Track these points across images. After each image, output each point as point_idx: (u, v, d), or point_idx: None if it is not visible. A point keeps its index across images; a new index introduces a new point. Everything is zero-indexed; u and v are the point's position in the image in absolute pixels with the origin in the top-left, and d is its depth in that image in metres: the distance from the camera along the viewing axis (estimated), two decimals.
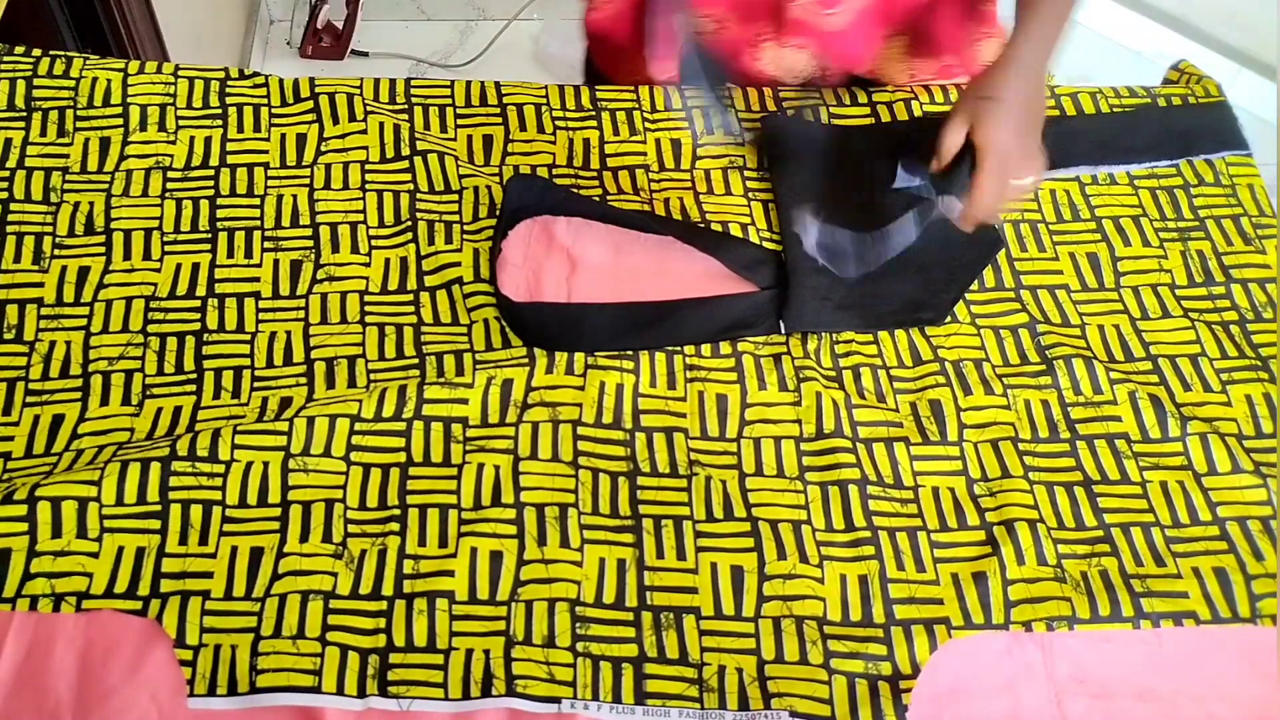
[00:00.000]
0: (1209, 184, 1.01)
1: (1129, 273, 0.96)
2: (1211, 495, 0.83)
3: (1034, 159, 0.85)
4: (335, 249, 0.94)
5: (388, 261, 0.93)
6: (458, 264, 0.93)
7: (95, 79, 1.02)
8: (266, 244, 0.94)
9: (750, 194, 0.99)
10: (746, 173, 1.00)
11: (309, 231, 0.95)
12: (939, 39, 1.03)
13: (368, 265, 0.93)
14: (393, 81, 1.04)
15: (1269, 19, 2.01)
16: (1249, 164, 1.02)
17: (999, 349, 0.91)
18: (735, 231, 0.96)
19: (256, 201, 0.96)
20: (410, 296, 0.91)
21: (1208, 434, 0.85)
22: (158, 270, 0.92)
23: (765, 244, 0.95)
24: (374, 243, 0.94)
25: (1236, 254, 0.97)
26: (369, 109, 1.01)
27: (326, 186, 0.97)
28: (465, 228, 0.95)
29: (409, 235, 0.95)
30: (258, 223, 0.95)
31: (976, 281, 0.94)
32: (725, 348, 0.89)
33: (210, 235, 0.94)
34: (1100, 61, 2.24)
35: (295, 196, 0.97)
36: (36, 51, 1.03)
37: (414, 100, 1.03)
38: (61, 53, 1.04)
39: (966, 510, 0.82)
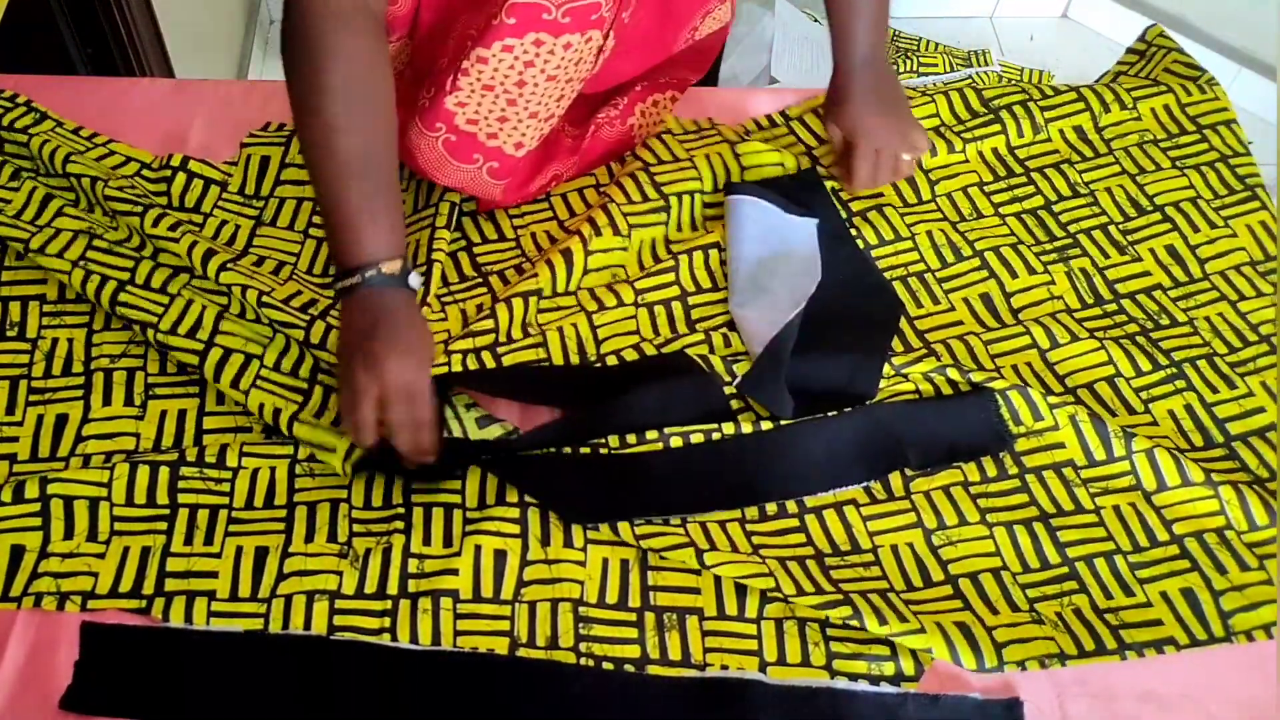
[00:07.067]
0: (1070, 197, 1.00)
1: (1025, 306, 0.93)
2: (1165, 514, 0.81)
3: (908, 134, 0.95)
4: None
5: None
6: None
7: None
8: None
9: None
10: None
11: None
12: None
13: None
14: None
15: (1269, 19, 2.01)
16: (1249, 163, 1.02)
17: (934, 391, 0.86)
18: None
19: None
20: None
21: (1153, 449, 0.82)
22: None
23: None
24: None
25: (1116, 267, 0.95)
26: None
27: None
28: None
29: None
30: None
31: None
32: None
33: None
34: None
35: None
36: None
37: None
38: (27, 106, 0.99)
39: (929, 565, 0.79)
